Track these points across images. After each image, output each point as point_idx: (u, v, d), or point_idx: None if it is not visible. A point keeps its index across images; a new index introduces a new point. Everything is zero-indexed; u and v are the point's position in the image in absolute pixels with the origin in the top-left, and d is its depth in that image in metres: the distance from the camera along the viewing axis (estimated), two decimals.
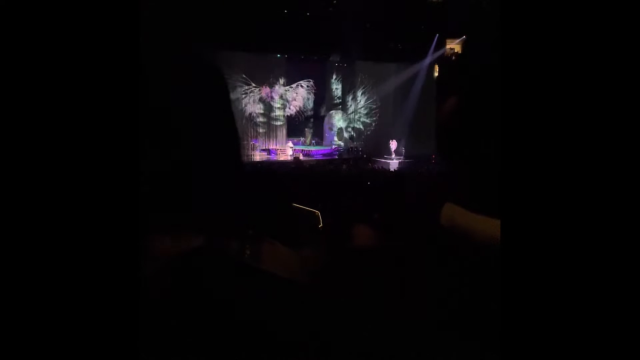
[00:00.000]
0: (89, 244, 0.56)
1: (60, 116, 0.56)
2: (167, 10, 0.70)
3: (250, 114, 15.82)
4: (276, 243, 0.79)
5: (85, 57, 0.57)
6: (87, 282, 0.55)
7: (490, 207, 0.79)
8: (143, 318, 0.57)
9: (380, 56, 16.09)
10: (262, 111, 16.12)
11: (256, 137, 16.05)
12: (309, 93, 17.07)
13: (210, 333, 0.61)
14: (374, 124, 17.99)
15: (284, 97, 16.53)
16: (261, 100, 16.03)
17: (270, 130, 16.50)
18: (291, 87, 16.69)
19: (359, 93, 17.91)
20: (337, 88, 17.88)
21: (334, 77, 17.73)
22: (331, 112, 17.84)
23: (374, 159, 15.88)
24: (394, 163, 15.26)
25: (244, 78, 15.43)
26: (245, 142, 15.03)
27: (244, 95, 15.52)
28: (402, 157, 15.85)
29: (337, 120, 17.90)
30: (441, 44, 15.04)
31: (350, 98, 17.99)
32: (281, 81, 16.36)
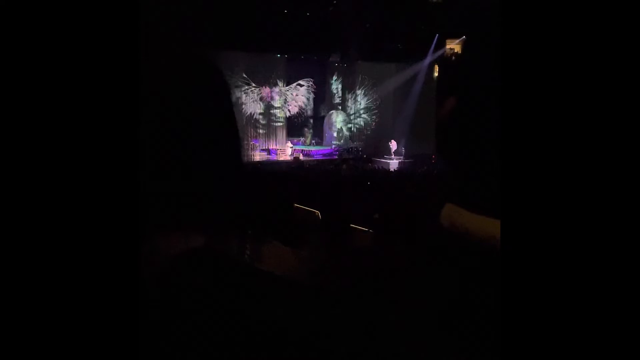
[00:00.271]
0: (89, 244, 0.56)
1: (61, 116, 0.56)
2: (167, 10, 0.70)
3: (250, 114, 15.81)
4: (276, 243, 0.79)
5: (85, 57, 0.57)
6: (87, 282, 0.55)
7: (490, 207, 0.79)
8: (143, 318, 0.57)
9: (380, 56, 16.08)
10: (262, 111, 16.12)
11: (256, 137, 16.04)
12: (309, 93, 17.06)
13: (210, 333, 0.61)
14: (374, 124, 17.99)
15: (284, 97, 16.53)
16: (261, 100, 16.03)
17: (270, 130, 16.49)
18: (291, 87, 16.68)
19: (359, 93, 17.90)
20: (337, 88, 17.88)
21: (334, 77, 17.72)
22: (331, 112, 17.83)
23: (374, 159, 15.87)
24: (393, 163, 15.25)
25: (244, 78, 15.43)
26: (245, 142, 15.03)
27: (244, 95, 15.51)
28: (402, 157, 15.84)
29: (337, 120, 17.90)
30: (441, 44, 15.03)
31: (350, 98, 17.98)
32: (281, 81, 16.36)
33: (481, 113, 0.85)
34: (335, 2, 12.93)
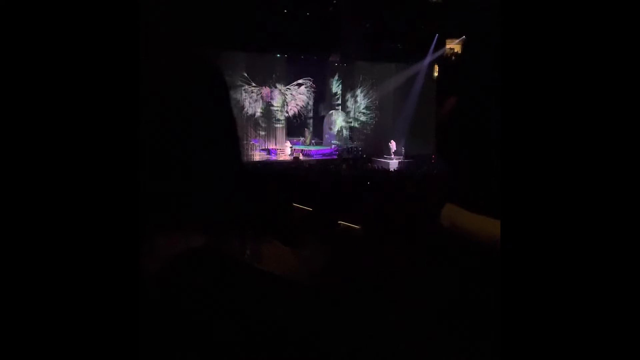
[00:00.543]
0: (89, 244, 0.56)
1: (60, 116, 0.56)
2: (167, 10, 0.70)
3: (250, 114, 15.81)
4: (276, 243, 0.79)
5: (85, 57, 0.57)
6: (88, 282, 0.55)
7: (490, 207, 0.79)
8: (143, 318, 0.57)
9: (380, 56, 16.09)
10: (262, 111, 16.12)
11: (256, 137, 16.05)
12: (309, 93, 17.06)
13: (210, 333, 0.61)
14: (373, 124, 17.99)
15: (283, 97, 16.53)
16: (261, 100, 16.03)
17: (270, 130, 16.50)
18: (291, 87, 16.69)
19: (359, 93, 17.90)
20: (337, 88, 17.88)
21: (334, 77, 17.73)
22: (331, 112, 17.84)
23: (373, 159, 15.87)
24: (393, 163, 15.25)
25: (244, 78, 15.43)
26: (245, 142, 15.04)
27: (244, 95, 15.52)
28: (402, 157, 15.84)
29: (337, 120, 17.90)
30: (441, 44, 15.03)
31: (350, 98, 17.99)
32: (281, 81, 16.36)
33: (481, 113, 0.85)
34: (335, 2, 12.93)
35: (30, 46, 0.55)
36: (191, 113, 0.68)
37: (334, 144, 17.63)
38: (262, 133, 16.18)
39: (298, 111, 16.92)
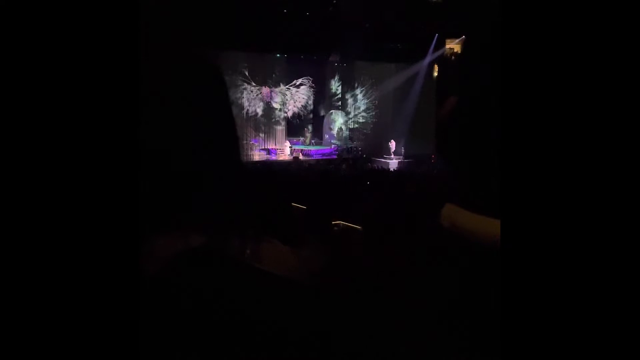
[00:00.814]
0: (89, 244, 0.56)
1: (60, 116, 0.56)
2: (167, 10, 0.70)
3: (249, 113, 15.81)
4: (276, 243, 0.79)
5: (85, 57, 0.57)
6: (88, 282, 0.55)
7: (490, 207, 0.79)
8: (143, 318, 0.57)
9: (380, 56, 16.08)
10: (261, 111, 16.12)
11: (256, 137, 16.04)
12: (309, 93, 17.06)
13: (210, 333, 0.61)
14: (373, 124, 17.99)
15: (283, 96, 16.53)
16: (261, 100, 16.02)
17: (270, 130, 16.49)
18: (291, 87, 16.68)
19: (359, 93, 17.90)
20: (337, 88, 17.88)
21: (334, 77, 17.72)
22: (331, 112, 17.83)
23: (373, 158, 15.87)
24: (393, 163, 15.24)
25: (244, 78, 15.43)
26: (245, 142, 15.04)
27: (244, 95, 15.51)
28: (401, 157, 15.84)
29: (337, 120, 17.90)
30: (441, 44, 15.03)
31: (350, 98, 17.99)
32: (281, 81, 16.36)
33: (481, 113, 0.85)
34: (335, 2, 12.93)
35: (30, 46, 0.55)
36: (191, 113, 0.68)
37: (333, 143, 17.62)
38: (262, 131, 16.17)
39: (297, 111, 16.92)
